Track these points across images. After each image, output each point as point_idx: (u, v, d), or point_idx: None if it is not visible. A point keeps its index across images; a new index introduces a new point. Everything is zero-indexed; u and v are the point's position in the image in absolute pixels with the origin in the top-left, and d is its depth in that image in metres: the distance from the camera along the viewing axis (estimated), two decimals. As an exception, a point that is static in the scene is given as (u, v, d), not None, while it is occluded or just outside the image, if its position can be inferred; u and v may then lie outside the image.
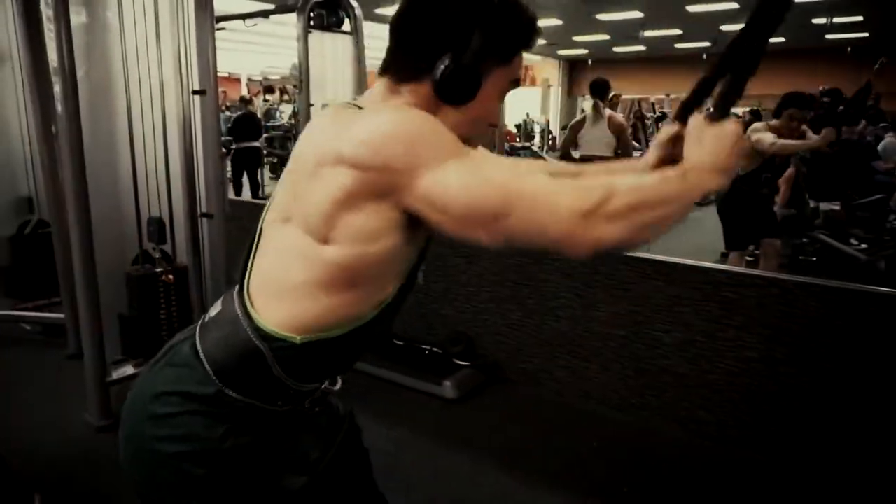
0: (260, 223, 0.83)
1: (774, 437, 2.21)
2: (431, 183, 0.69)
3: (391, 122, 0.71)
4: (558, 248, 0.69)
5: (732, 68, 0.81)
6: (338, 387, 0.94)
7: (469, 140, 0.83)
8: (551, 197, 0.69)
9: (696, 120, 0.79)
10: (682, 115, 0.88)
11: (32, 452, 2.21)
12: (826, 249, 4.54)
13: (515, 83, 0.83)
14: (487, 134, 0.86)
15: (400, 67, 0.80)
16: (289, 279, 0.77)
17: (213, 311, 0.86)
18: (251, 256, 0.82)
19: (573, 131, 4.72)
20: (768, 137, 3.39)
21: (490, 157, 0.73)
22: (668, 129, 0.90)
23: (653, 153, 0.92)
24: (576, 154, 4.62)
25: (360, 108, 0.79)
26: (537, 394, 2.72)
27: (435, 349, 2.91)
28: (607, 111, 4.51)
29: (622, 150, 4.44)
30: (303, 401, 0.86)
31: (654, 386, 2.45)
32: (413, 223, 0.74)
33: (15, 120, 3.17)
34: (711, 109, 0.80)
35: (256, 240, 0.82)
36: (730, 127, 0.77)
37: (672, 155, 0.89)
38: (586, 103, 15.64)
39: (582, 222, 0.67)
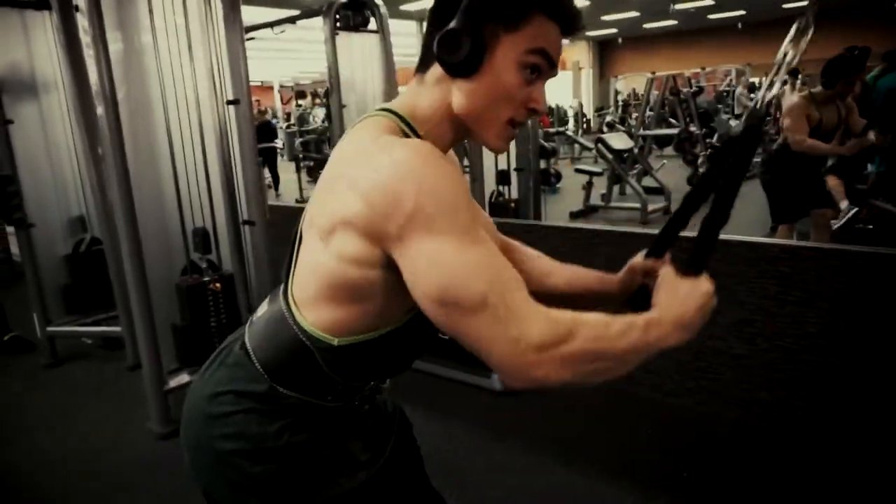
0: (300, 224, 0.83)
1: (842, 415, 2.12)
2: (417, 249, 0.66)
3: (410, 173, 0.67)
4: (495, 366, 0.66)
5: (705, 221, 0.80)
6: (386, 385, 0.94)
7: (494, 122, 0.78)
8: (519, 314, 0.65)
9: (670, 272, 0.78)
10: (656, 250, 0.90)
11: (100, 461, 2.31)
12: (884, 216, 4.32)
13: (541, 55, 0.75)
14: (526, 119, 0.79)
15: (423, 55, 0.79)
16: (311, 283, 0.77)
17: (260, 311, 0.88)
18: (294, 257, 0.83)
19: None
20: (797, 134, 3.24)
21: (487, 251, 0.68)
22: (641, 262, 0.92)
23: (622, 276, 0.95)
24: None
25: (392, 112, 0.77)
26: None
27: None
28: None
29: None
30: (353, 397, 0.86)
31: (710, 368, 2.38)
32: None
33: (64, 144, 3.30)
34: (686, 262, 0.79)
35: (298, 240, 0.82)
36: (704, 286, 0.75)
37: (641, 283, 0.92)
38: (619, 84, 15.32)
39: (533, 356, 0.64)
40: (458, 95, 0.76)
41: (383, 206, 0.67)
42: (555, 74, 0.79)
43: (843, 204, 4.40)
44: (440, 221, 0.66)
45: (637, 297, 0.92)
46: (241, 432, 0.81)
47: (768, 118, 8.98)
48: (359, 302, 0.75)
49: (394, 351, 0.82)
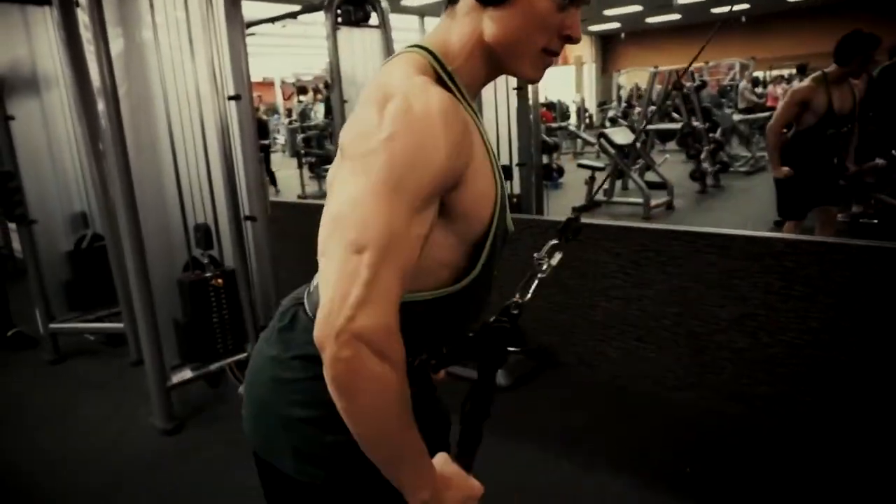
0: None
1: (845, 410, 2.11)
2: (356, 179, 0.65)
3: (409, 124, 0.65)
4: (319, 314, 0.63)
5: (466, 418, 0.86)
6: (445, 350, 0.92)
7: (528, 51, 0.76)
8: (375, 297, 0.61)
9: (446, 457, 0.80)
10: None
11: (103, 457, 2.31)
12: (888, 211, 4.30)
13: None
14: (560, 49, 0.77)
15: None
16: None
17: (316, 279, 0.85)
18: None
19: None
20: (775, 123, 3.23)
21: (407, 227, 0.65)
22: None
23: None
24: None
25: (424, 49, 0.76)
26: (591, 377, 2.68)
27: (483, 337, 2.89)
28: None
29: None
30: (412, 362, 0.83)
31: (713, 363, 2.37)
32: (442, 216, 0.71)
33: (65, 140, 3.30)
34: (457, 455, 0.84)
35: None
36: (475, 487, 0.79)
37: None
38: (622, 79, 15.29)
39: (347, 334, 0.60)
40: (490, 25, 0.74)
41: (365, 131, 0.66)
42: (588, 1, 0.77)
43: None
44: (390, 177, 0.63)
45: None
46: (313, 399, 0.77)
47: (773, 110, 8.91)
48: None
49: (447, 313, 0.81)
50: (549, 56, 0.77)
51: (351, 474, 0.79)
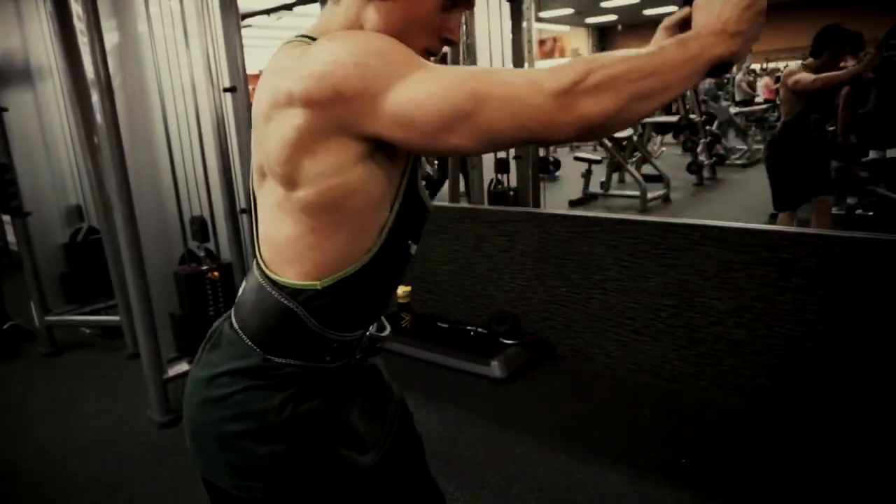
0: (251, 187, 0.82)
1: (842, 402, 2.12)
2: (393, 101, 0.64)
3: (338, 48, 0.66)
4: (538, 136, 0.64)
5: None
6: (387, 332, 0.91)
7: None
8: (522, 82, 0.62)
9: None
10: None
11: (100, 450, 2.31)
12: (884, 202, 4.31)
13: None
14: (439, 50, 0.79)
15: None
16: (282, 234, 0.76)
17: (241, 289, 0.87)
18: (256, 223, 0.82)
19: None
20: (807, 76, 3.23)
21: (453, 66, 0.68)
22: (675, 16, 0.82)
23: (659, 36, 0.83)
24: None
25: (312, 38, 0.75)
26: (588, 369, 2.68)
27: (480, 330, 2.90)
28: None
29: None
30: (352, 353, 0.84)
31: (710, 355, 2.38)
32: (381, 147, 0.70)
33: (60, 132, 3.28)
34: None
35: (254, 204, 0.81)
36: None
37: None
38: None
39: (560, 101, 0.61)
40: (373, 17, 0.74)
41: (331, 94, 0.65)
42: (472, 6, 0.77)
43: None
44: (393, 69, 0.65)
45: None
46: (244, 412, 0.78)
47: (768, 103, 8.89)
48: (335, 229, 0.73)
49: (376, 281, 0.80)
50: (428, 56, 0.77)
51: (289, 485, 0.79)
